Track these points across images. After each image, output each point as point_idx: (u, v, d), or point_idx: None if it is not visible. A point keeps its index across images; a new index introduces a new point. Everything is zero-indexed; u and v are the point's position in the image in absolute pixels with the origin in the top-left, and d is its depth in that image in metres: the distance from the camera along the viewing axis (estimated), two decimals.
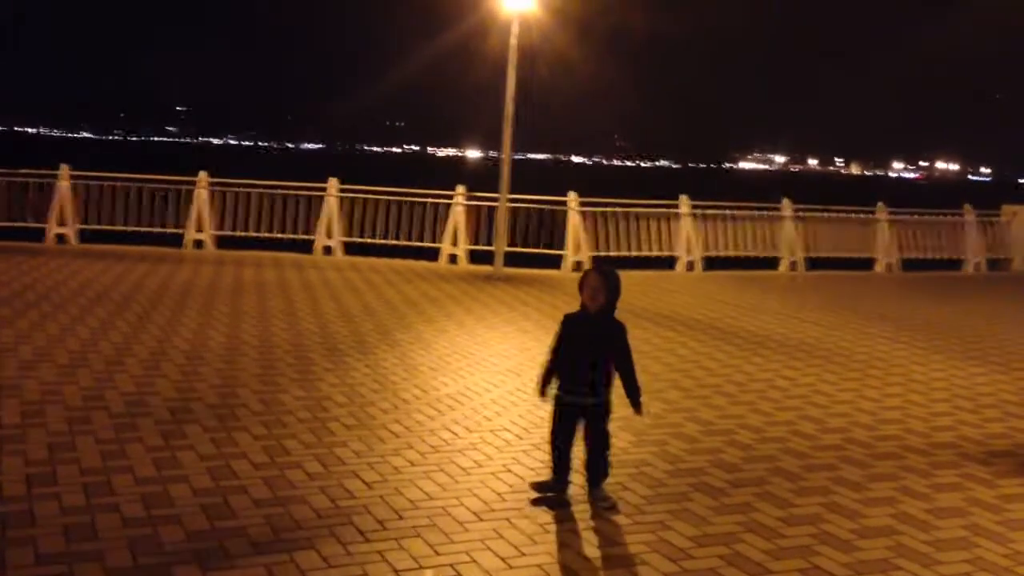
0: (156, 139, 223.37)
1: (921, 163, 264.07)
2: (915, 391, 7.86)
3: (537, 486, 5.10)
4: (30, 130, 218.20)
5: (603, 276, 5.01)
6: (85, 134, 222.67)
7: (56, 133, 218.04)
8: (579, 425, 5.02)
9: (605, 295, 4.97)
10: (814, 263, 16.26)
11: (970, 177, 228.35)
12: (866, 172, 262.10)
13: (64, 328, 8.41)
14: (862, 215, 16.82)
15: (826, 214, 16.56)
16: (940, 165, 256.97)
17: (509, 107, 13.20)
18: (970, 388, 8.07)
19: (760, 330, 10.25)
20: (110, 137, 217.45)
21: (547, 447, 5.90)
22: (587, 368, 4.95)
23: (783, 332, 10.19)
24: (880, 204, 17.01)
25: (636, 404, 5.03)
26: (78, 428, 5.75)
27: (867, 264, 16.68)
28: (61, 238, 14.25)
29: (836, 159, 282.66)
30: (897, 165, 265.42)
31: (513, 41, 12.97)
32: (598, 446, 5.02)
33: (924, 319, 11.51)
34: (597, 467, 5.05)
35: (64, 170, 14.51)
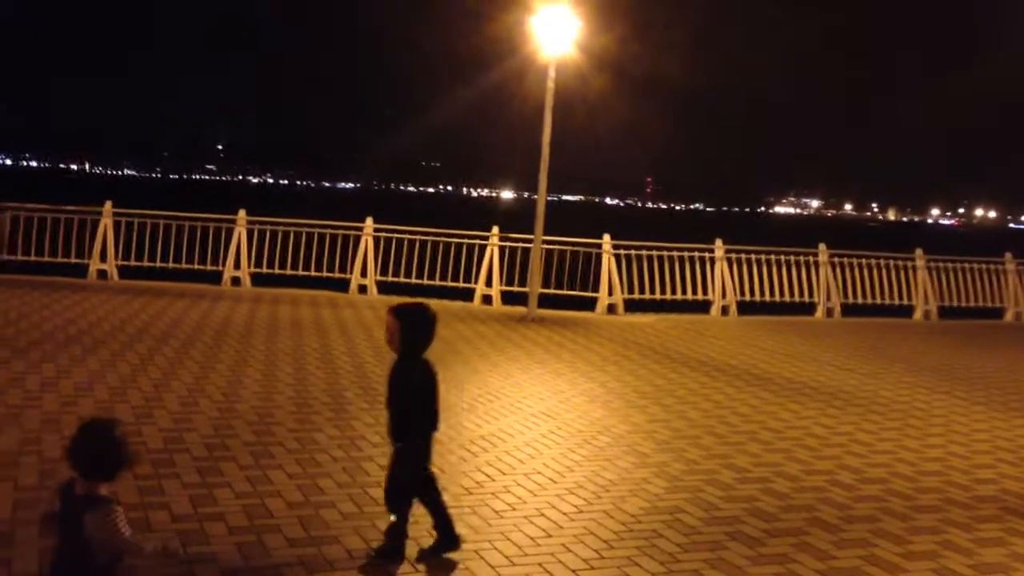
0: (196, 177, 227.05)
1: (959, 210, 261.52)
2: (956, 442, 7.72)
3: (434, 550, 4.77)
4: (74, 167, 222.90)
5: (397, 317, 4.69)
6: (128, 171, 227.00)
7: (99, 170, 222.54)
8: (430, 476, 4.79)
9: (400, 337, 4.64)
10: (850, 309, 16.09)
11: (1010, 225, 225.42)
12: (903, 218, 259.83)
13: (104, 363, 8.52)
14: (899, 261, 16.64)
15: (863, 260, 16.41)
16: (978, 212, 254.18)
17: (545, 150, 13.29)
18: (1013, 440, 7.91)
19: (796, 376, 10.14)
20: (152, 175, 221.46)
21: (580, 491, 5.88)
22: (395, 413, 4.68)
23: (820, 379, 10.07)
24: (918, 250, 16.84)
25: (398, 444, 4.65)
26: None
27: (904, 311, 16.49)
28: (103, 274, 14.48)
29: (872, 204, 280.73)
30: (934, 211, 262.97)
31: (550, 85, 13.09)
32: (395, 502, 4.67)
33: (964, 368, 11.33)
34: (389, 534, 4.68)
35: (107, 207, 14.78)
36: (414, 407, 4.64)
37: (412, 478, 4.70)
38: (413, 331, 4.68)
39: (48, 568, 3.23)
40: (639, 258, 15.09)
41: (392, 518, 4.70)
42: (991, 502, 6.19)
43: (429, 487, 4.82)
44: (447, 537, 4.79)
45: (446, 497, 5.60)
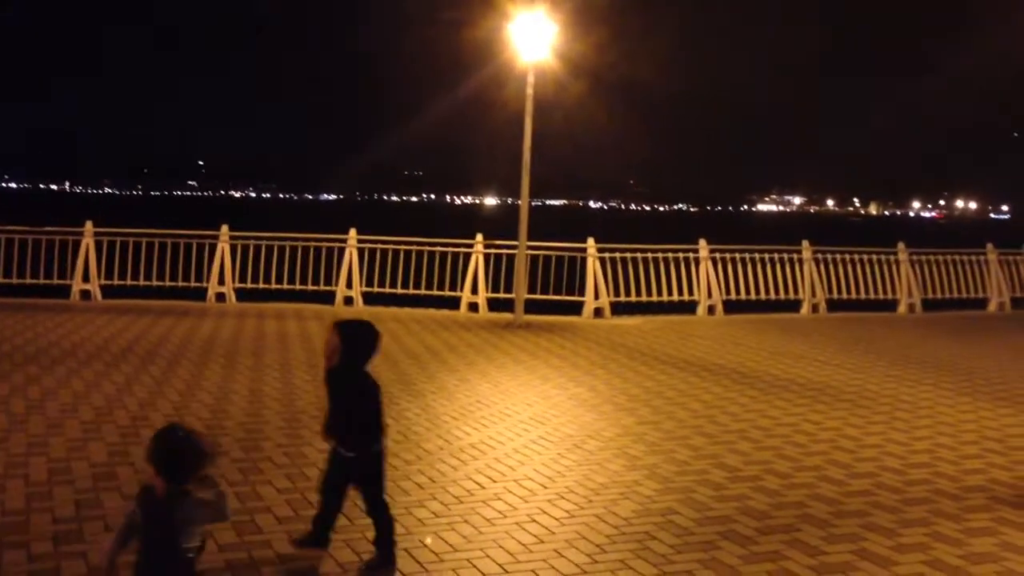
0: (178, 193, 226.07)
1: (940, 202, 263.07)
2: (944, 434, 7.76)
3: (299, 541, 4.87)
4: (54, 187, 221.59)
5: (339, 334, 4.71)
6: (108, 190, 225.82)
7: (79, 190, 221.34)
8: (345, 482, 4.78)
9: (342, 352, 4.68)
10: (835, 305, 16.16)
11: (991, 215, 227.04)
12: (885, 212, 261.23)
13: (89, 384, 8.47)
14: (883, 256, 16.73)
15: (846, 255, 16.49)
16: (959, 204, 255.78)
17: (526, 155, 13.30)
18: (999, 430, 7.96)
19: (783, 374, 10.18)
20: (132, 192, 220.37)
21: (571, 496, 5.88)
22: (340, 420, 4.73)
23: (807, 376, 10.11)
24: (901, 244, 16.93)
25: (351, 454, 4.69)
26: (104, 484, 5.77)
27: (889, 305, 16.57)
28: (86, 294, 14.39)
29: (854, 199, 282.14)
30: (915, 204, 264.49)
31: (529, 91, 13.11)
32: (373, 513, 4.74)
33: (949, 360, 11.40)
34: (378, 544, 4.74)
35: (88, 227, 14.69)
36: (364, 417, 4.68)
37: (382, 486, 4.76)
38: (355, 347, 4.72)
39: (136, 572, 3.40)
40: (624, 261, 15.11)
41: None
42: (980, 492, 6.22)
43: (342, 494, 4.83)
44: (321, 538, 4.82)
45: (437, 507, 5.61)
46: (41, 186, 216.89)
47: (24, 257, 14.37)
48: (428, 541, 5.03)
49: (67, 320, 12.12)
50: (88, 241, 14.60)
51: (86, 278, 14.49)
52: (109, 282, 14.61)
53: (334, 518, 4.85)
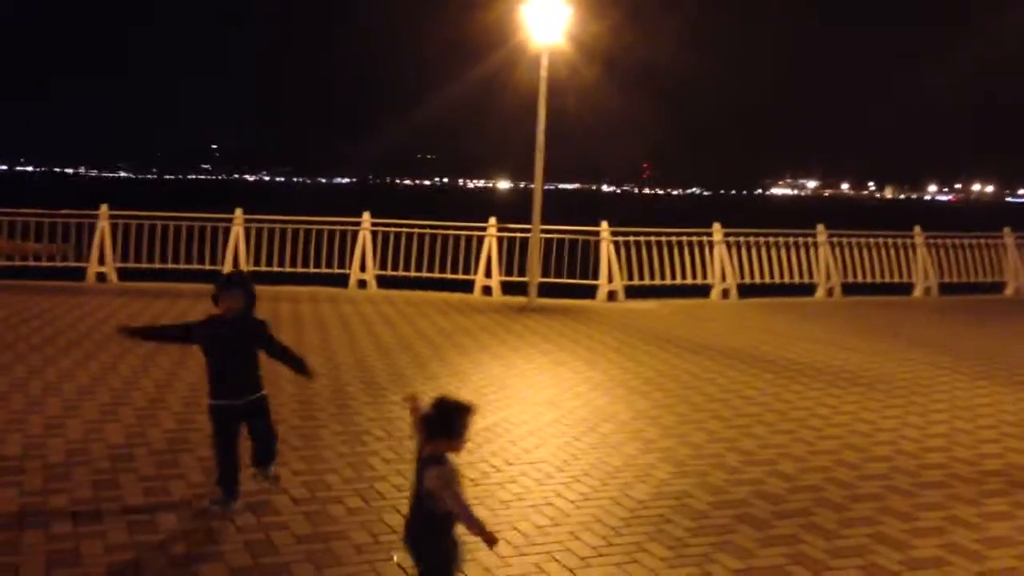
0: (192, 177, 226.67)
1: (956, 185, 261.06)
2: (960, 418, 7.72)
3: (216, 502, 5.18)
4: (69, 171, 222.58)
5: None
6: (123, 173, 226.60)
7: (94, 173, 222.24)
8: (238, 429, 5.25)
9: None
10: (850, 289, 16.09)
11: (1007, 199, 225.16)
12: (900, 195, 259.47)
13: (106, 366, 8.51)
14: (899, 239, 16.63)
15: (862, 239, 16.39)
16: (975, 187, 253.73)
17: (540, 139, 13.25)
18: (1017, 414, 7.91)
19: (799, 357, 10.14)
20: (147, 176, 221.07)
21: (586, 478, 5.87)
22: (243, 369, 5.32)
23: (822, 359, 10.07)
24: (917, 228, 16.82)
25: (304, 371, 5.55)
26: (121, 465, 5.80)
27: (905, 289, 16.48)
28: (101, 276, 14.46)
29: (869, 183, 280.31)
30: (931, 188, 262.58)
31: (543, 74, 13.04)
32: (269, 436, 5.40)
33: (966, 344, 11.32)
34: (270, 451, 5.41)
35: (103, 210, 14.76)
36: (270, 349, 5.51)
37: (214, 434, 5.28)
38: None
39: (408, 514, 3.81)
40: (638, 244, 15.07)
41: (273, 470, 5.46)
42: (997, 476, 6.19)
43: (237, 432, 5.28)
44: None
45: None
46: (56, 169, 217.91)
47: (40, 240, 14.43)
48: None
49: (83, 302, 12.18)
50: (103, 224, 14.67)
51: (102, 261, 14.56)
52: (124, 264, 14.67)
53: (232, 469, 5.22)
